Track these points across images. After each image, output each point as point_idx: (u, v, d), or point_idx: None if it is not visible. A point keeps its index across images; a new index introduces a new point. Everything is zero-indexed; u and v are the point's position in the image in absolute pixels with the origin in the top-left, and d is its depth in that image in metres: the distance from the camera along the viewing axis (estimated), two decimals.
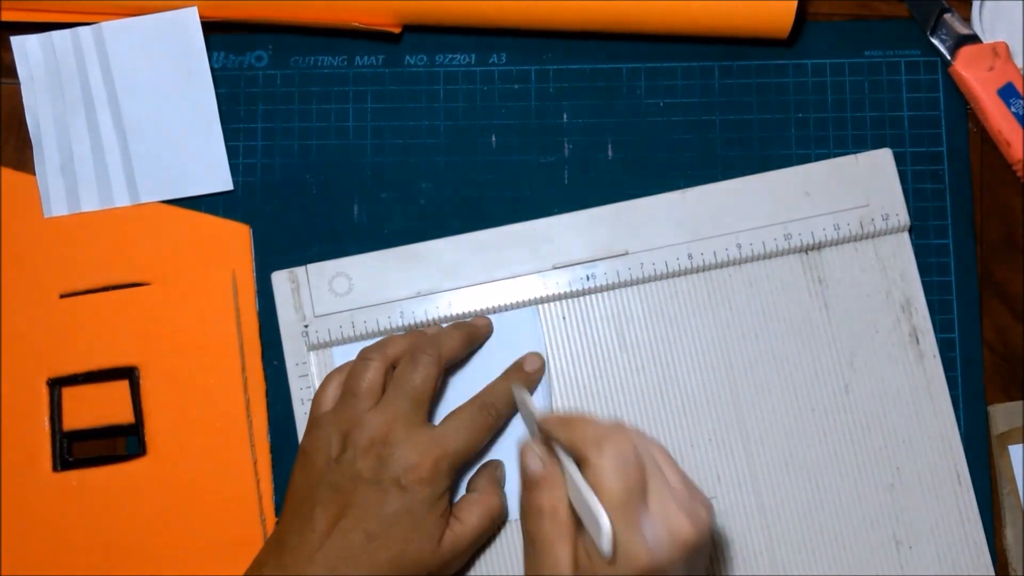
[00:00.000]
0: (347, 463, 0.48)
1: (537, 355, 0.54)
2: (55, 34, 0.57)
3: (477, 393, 0.52)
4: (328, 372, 0.53)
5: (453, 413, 0.51)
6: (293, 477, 0.50)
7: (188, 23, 0.57)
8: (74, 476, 0.54)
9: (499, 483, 0.52)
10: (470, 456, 0.50)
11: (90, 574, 0.54)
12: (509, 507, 0.52)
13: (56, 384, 0.55)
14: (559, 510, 0.43)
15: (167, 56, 0.57)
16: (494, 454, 0.53)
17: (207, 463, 0.54)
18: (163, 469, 0.54)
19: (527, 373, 0.53)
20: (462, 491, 0.52)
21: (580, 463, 0.43)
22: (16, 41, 0.57)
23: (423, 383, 0.49)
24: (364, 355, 0.51)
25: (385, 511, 0.47)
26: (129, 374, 0.55)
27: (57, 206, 0.57)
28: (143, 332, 0.55)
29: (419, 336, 0.52)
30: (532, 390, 0.53)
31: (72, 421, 0.55)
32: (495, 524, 0.51)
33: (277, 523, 0.50)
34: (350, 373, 0.50)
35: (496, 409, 0.51)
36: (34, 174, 0.57)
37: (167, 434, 0.55)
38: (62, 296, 0.56)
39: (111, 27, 0.57)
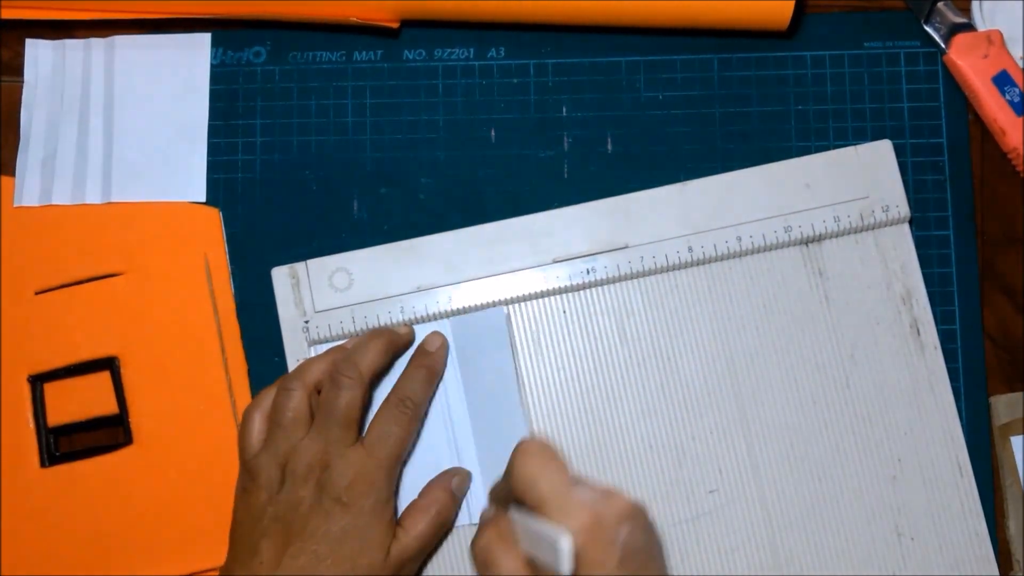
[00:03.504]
0: (287, 493, 0.49)
1: (437, 334, 0.54)
2: (68, 43, 0.58)
3: (391, 390, 0.52)
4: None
5: (374, 418, 0.51)
6: (234, 516, 0.50)
7: (199, 45, 0.58)
8: (63, 470, 0.55)
9: (450, 490, 0.52)
10: (402, 454, 0.51)
11: (84, 567, 0.54)
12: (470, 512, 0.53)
13: (38, 380, 0.55)
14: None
15: (170, 72, 0.58)
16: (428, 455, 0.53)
17: (193, 447, 0.55)
18: (150, 457, 0.55)
19: (431, 353, 0.53)
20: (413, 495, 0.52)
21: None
22: (29, 44, 0.58)
23: (348, 406, 0.50)
24: (285, 385, 0.51)
25: (331, 530, 0.48)
26: (110, 364, 0.55)
27: (29, 197, 0.57)
28: (120, 322, 0.56)
29: (338, 355, 0.52)
30: (440, 369, 0.53)
31: (56, 416, 0.55)
32: (443, 529, 0.52)
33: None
34: (274, 406, 0.51)
35: (412, 401, 0.52)
36: (13, 172, 0.58)
37: (152, 422, 0.55)
38: (37, 293, 0.56)
39: (123, 41, 0.58)
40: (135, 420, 0.55)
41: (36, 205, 0.57)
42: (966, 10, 0.57)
